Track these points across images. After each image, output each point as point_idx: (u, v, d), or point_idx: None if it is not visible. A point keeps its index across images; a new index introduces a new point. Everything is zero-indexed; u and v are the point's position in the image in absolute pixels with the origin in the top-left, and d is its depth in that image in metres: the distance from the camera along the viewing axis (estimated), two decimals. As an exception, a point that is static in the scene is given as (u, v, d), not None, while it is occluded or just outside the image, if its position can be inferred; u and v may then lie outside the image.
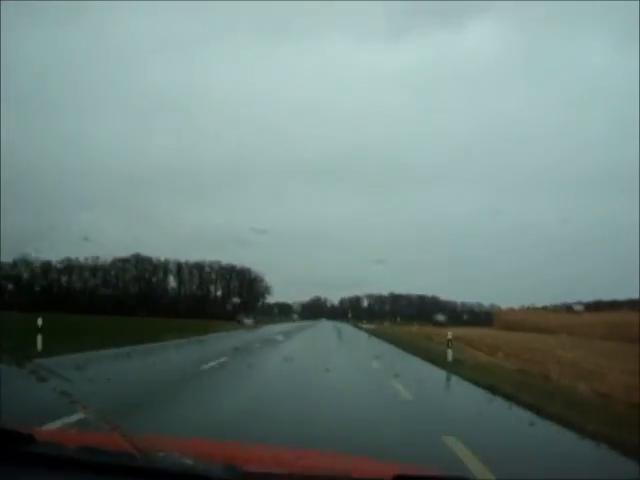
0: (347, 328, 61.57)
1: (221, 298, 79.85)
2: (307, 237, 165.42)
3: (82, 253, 71.11)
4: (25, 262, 69.15)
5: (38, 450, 1.49)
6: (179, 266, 74.48)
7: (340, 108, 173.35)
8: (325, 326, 64.99)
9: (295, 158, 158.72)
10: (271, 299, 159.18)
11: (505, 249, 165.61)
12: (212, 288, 79.76)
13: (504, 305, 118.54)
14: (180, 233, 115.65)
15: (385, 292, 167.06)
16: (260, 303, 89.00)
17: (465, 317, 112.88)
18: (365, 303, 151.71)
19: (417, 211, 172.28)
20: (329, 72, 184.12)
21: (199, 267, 75.83)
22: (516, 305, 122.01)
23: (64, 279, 74.39)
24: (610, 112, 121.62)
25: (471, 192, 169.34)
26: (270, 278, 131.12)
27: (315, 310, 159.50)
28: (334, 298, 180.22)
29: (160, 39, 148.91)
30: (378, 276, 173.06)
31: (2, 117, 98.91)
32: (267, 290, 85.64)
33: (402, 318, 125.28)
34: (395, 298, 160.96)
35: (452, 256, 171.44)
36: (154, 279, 72.76)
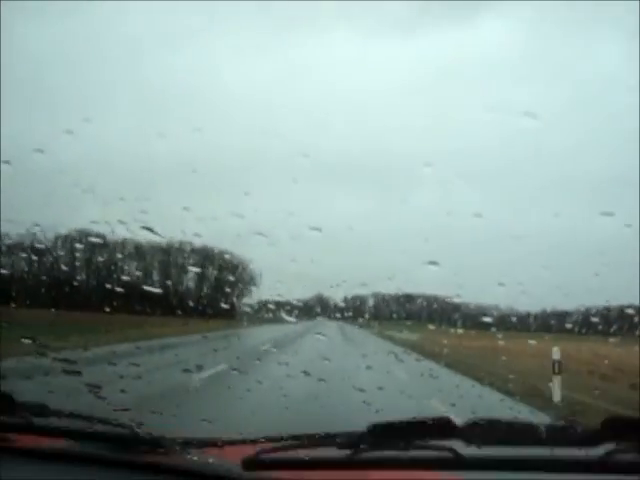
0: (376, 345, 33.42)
1: (195, 290, 62.97)
2: (311, 234, 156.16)
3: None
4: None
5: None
6: (137, 247, 57.11)
7: (348, 105, 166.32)
8: (325, 339, 31.77)
9: (301, 156, 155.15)
10: (265, 294, 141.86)
11: (526, 249, 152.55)
12: (181, 276, 62.54)
13: (522, 309, 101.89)
14: (175, 227, 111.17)
15: (393, 291, 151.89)
16: (247, 298, 71.97)
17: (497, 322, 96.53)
18: (371, 302, 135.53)
19: (429, 211, 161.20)
20: (338, 68, 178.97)
21: (164, 250, 58.39)
22: (537, 308, 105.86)
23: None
24: (624, 112, 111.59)
25: (481, 192, 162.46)
26: (268, 274, 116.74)
27: (317, 309, 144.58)
28: (337, 296, 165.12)
29: (167, 31, 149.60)
30: (385, 275, 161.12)
31: (7, 108, 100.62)
32: (253, 281, 68.26)
33: (421, 321, 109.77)
34: (404, 298, 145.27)
35: (464, 255, 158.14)
36: (104, 262, 56.09)
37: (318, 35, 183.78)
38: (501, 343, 32.47)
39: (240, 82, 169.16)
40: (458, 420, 1.58)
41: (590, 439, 1.33)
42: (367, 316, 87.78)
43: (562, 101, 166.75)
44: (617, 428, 1.32)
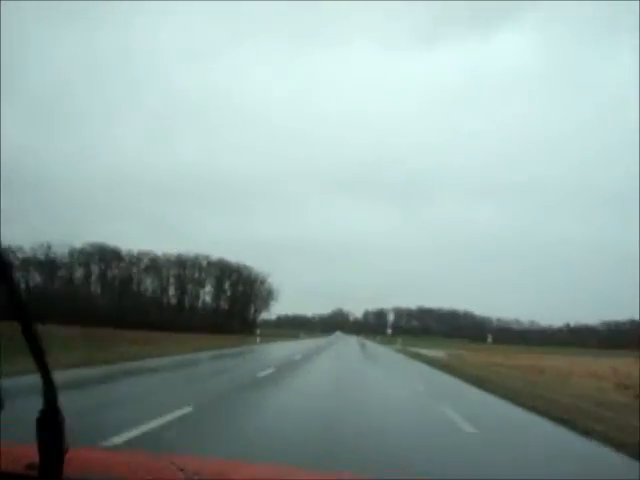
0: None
1: (211, 305, 61.57)
2: (330, 248, 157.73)
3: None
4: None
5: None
6: (153, 260, 55.86)
7: (365, 118, 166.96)
8: (342, 362, 24.77)
9: (320, 169, 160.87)
10: (285, 309, 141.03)
11: (545, 264, 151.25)
12: (197, 290, 60.95)
13: (545, 322, 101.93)
14: (196, 241, 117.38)
15: (412, 305, 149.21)
16: (264, 313, 70.65)
17: (522, 336, 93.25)
18: (391, 317, 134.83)
19: (447, 224, 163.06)
20: (356, 80, 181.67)
21: (180, 262, 57.01)
22: (559, 322, 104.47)
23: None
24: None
25: (500, 206, 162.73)
26: (288, 289, 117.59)
27: (336, 323, 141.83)
28: (357, 311, 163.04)
29: (185, 46, 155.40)
30: (405, 289, 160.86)
31: (23, 122, 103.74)
32: (271, 295, 67.17)
33: (441, 336, 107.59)
34: (424, 312, 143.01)
35: (485, 270, 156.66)
36: (120, 276, 55.02)
37: (337, 48, 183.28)
38: (541, 361, 28.73)
39: (259, 96, 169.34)
40: None
41: None
42: (389, 331, 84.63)
43: (581, 114, 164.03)
44: None
